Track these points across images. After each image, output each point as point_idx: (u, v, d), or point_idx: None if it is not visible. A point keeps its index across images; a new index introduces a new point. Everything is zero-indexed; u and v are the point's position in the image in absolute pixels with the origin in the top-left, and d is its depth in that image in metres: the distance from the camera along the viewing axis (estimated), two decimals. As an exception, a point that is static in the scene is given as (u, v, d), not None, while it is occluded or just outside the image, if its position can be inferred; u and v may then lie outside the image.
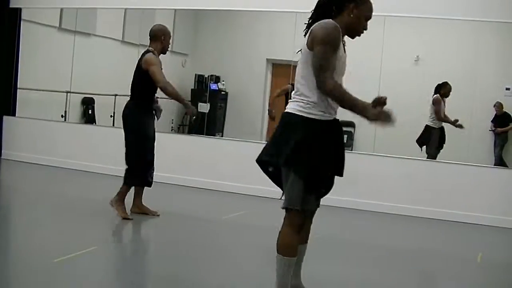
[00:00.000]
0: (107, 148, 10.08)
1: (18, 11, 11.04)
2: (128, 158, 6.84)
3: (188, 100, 7.04)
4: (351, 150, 11.06)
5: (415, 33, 10.71)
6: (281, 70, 12.19)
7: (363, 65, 10.67)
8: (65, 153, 10.48)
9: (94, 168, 9.98)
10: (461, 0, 8.64)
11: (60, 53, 11.60)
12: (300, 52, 4.07)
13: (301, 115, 3.86)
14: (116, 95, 11.94)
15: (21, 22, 11.10)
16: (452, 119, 9.89)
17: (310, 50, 3.90)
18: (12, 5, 10.93)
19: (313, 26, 3.95)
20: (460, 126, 9.82)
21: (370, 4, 4.01)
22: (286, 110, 3.95)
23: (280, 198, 4.01)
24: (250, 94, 12.56)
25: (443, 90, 9.97)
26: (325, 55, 3.84)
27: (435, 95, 9.96)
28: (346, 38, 4.08)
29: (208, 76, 12.61)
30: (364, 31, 4.05)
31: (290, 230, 3.97)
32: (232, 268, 5.33)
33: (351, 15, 3.94)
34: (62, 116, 11.37)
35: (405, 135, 10.29)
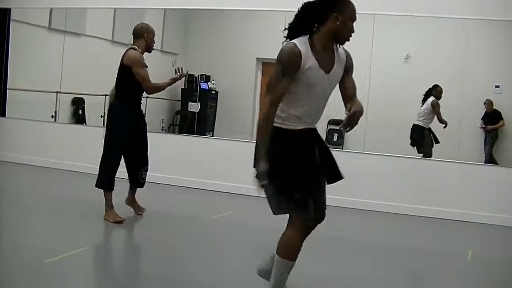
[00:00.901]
0: (97, 148, 10.02)
1: (7, 11, 11.01)
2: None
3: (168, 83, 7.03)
4: (342, 148, 11.09)
5: (404, 31, 10.74)
6: (271, 69, 12.17)
7: (353, 62, 10.71)
8: (55, 154, 10.46)
9: (84, 169, 9.95)
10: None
11: (50, 53, 11.57)
12: None
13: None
14: (106, 95, 11.81)
15: (11, 22, 11.07)
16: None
17: None
18: (1, 5, 10.91)
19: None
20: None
21: (352, 5, 4.01)
22: None
23: None
24: (241, 93, 12.57)
25: (435, 92, 10.04)
26: (272, 80, 3.93)
27: (432, 99, 10.01)
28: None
29: (198, 75, 12.61)
30: (352, 34, 4.02)
31: (292, 233, 4.01)
32: (223, 267, 5.34)
33: (337, 23, 3.92)
34: (52, 116, 11.34)
35: (395, 133, 10.34)
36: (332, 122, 11.60)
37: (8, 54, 11.08)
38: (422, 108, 10.12)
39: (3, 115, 11.13)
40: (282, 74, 3.88)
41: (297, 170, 3.91)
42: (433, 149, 9.92)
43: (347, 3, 3.98)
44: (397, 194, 8.67)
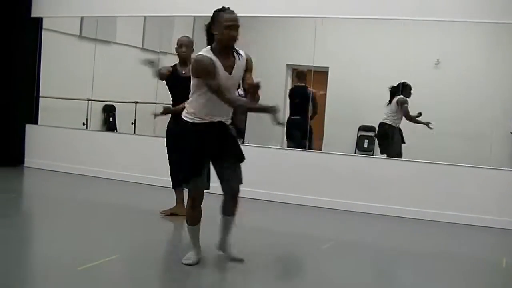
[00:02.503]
0: (128, 155, 10.12)
1: (39, 20, 11.11)
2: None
3: None
4: (372, 155, 11.03)
5: (435, 36, 10.67)
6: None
7: (385, 68, 10.68)
8: (86, 161, 10.53)
9: (116, 176, 10.01)
10: (481, 3, 8.57)
11: (81, 61, 11.66)
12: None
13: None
14: (136, 102, 12.00)
15: (42, 31, 11.17)
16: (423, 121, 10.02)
17: None
18: (34, 14, 11.01)
19: None
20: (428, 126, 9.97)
21: (222, 15, 4.96)
22: None
23: None
24: (271, 99, 12.55)
25: (405, 90, 9.98)
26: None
27: (400, 97, 9.95)
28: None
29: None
30: (235, 36, 5.01)
31: (188, 205, 5.27)
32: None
33: (216, 33, 4.98)
34: (83, 123, 11.42)
35: (425, 138, 10.26)
36: (362, 128, 11.56)
37: (40, 62, 11.18)
38: (389, 107, 10.07)
39: (36, 122, 11.22)
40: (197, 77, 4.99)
41: (184, 155, 5.12)
42: (461, 153, 9.83)
43: (218, 16, 4.97)
44: (426, 200, 8.58)
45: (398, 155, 9.74)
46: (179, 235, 6.95)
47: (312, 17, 9.31)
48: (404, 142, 10.00)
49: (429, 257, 6.51)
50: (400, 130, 10.04)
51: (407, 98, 9.96)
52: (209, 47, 5.01)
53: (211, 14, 5.09)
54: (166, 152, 7.22)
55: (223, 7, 5.05)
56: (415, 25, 9.11)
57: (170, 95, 7.34)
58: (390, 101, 10.10)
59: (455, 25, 9.11)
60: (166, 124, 7.34)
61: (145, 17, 11.58)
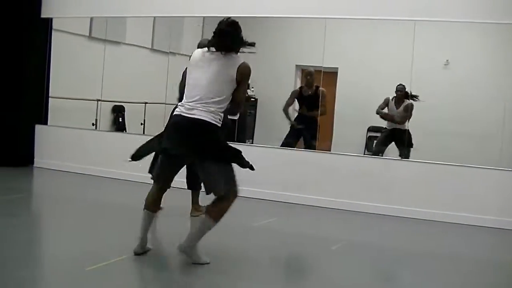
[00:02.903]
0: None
1: (49, 21, 11.14)
2: None
3: None
4: (381, 155, 10.99)
5: (444, 37, 10.65)
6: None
7: (394, 68, 10.66)
8: (96, 161, 10.54)
9: (125, 176, 10.02)
10: (491, 3, 8.55)
11: (91, 61, 11.68)
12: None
13: None
14: (146, 103, 12.02)
15: (52, 32, 11.19)
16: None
17: None
18: (43, 15, 11.03)
19: None
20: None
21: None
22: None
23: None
24: (280, 100, 12.55)
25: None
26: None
27: (411, 102, 10.09)
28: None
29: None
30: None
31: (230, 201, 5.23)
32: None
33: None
34: (93, 124, 11.45)
35: (435, 139, 10.25)
36: (371, 129, 11.55)
37: (50, 63, 11.20)
38: (400, 110, 10.24)
39: (45, 123, 11.24)
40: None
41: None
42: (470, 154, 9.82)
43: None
44: (435, 201, 8.55)
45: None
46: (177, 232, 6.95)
47: (321, 17, 9.30)
48: (411, 146, 9.97)
49: (439, 259, 6.49)
50: (409, 133, 10.03)
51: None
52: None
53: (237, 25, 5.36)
54: None
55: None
56: (424, 25, 9.10)
57: None
58: (399, 105, 10.10)
59: (465, 25, 9.10)
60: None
61: (154, 17, 11.60)
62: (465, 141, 10.33)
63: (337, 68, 11.74)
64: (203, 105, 5.04)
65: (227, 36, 5.21)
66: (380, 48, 11.48)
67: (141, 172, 8.63)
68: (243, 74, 5.21)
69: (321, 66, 10.08)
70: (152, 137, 5.64)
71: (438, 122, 10.49)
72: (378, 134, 11.52)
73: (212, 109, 5.04)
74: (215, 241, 5.65)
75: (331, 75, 11.30)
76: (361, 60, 11.79)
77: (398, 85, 10.22)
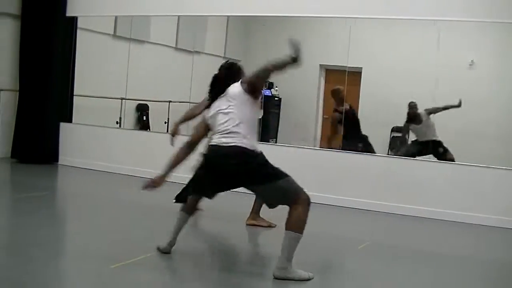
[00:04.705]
0: (161, 154, 10.09)
1: (74, 19, 11.19)
2: None
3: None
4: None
5: (469, 37, 10.59)
6: (334, 76, 12.15)
7: (418, 69, 10.62)
8: (119, 159, 10.59)
9: (148, 174, 9.99)
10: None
11: (115, 60, 11.75)
12: None
13: None
14: (170, 101, 12.07)
15: (77, 30, 11.25)
16: None
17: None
18: (69, 14, 11.09)
19: None
20: None
21: None
22: None
23: None
24: (304, 99, 12.57)
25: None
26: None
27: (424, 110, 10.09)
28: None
29: (263, 82, 12.63)
30: None
31: (305, 209, 5.07)
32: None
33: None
34: (117, 122, 11.50)
35: (460, 140, 10.19)
36: (395, 129, 11.51)
37: (75, 61, 11.25)
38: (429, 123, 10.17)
39: (70, 121, 11.30)
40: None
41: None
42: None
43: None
44: (459, 202, 8.48)
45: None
46: (215, 235, 6.97)
47: (346, 17, 9.27)
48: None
49: (463, 260, 6.46)
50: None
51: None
52: None
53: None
54: None
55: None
56: (449, 26, 9.05)
57: None
58: (420, 121, 10.09)
59: (489, 25, 9.04)
60: None
61: (178, 16, 11.64)
62: (490, 142, 10.26)
63: (361, 68, 11.72)
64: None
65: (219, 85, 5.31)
66: (404, 48, 11.44)
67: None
68: (244, 78, 5.25)
69: (346, 66, 10.05)
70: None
71: (462, 123, 10.43)
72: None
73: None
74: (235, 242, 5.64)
75: (355, 75, 11.28)
76: (386, 60, 11.75)
77: (411, 102, 10.18)
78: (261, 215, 7.10)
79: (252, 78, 5.12)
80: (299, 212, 4.96)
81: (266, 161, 5.10)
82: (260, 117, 11.35)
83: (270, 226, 7.08)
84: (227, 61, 5.57)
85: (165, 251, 5.47)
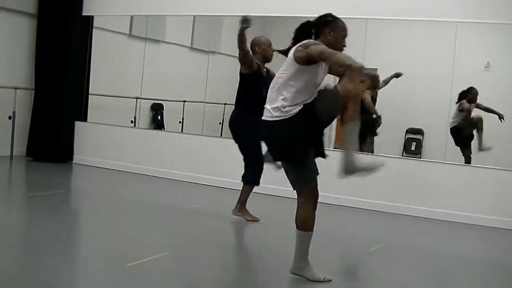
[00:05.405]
0: (176, 154, 10.16)
1: (90, 18, 11.23)
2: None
3: None
4: (420, 158, 10.92)
5: (485, 39, 10.54)
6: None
7: (434, 71, 10.58)
8: (134, 158, 10.61)
9: (163, 174, 10.07)
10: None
11: (130, 59, 11.79)
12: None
13: None
14: (185, 101, 12.08)
15: (93, 30, 11.29)
16: None
17: (298, 62, 4.73)
18: (85, 13, 11.12)
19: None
20: None
21: (343, 23, 5.01)
22: None
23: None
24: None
25: (470, 95, 9.93)
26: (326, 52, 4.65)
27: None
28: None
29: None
30: (344, 47, 4.91)
31: (309, 206, 5.08)
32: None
33: (329, 37, 4.86)
34: (131, 121, 11.54)
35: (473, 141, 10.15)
36: (410, 131, 11.47)
37: (91, 60, 11.29)
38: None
39: (85, 119, 11.33)
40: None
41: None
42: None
43: (338, 22, 4.99)
44: (474, 205, 8.45)
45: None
46: (228, 234, 6.97)
47: (361, 18, 9.24)
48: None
49: (477, 263, 6.43)
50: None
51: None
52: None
53: (323, 17, 5.11)
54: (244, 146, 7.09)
55: (333, 15, 5.07)
56: (465, 27, 9.02)
57: (242, 93, 7.09)
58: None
59: (506, 27, 8.98)
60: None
61: (194, 16, 11.65)
62: (505, 144, 10.19)
63: (376, 69, 11.67)
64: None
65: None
66: (420, 49, 11.39)
67: (179, 170, 8.77)
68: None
69: (361, 67, 10.03)
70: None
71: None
72: (417, 136, 11.45)
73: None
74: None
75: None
76: (400, 62, 11.70)
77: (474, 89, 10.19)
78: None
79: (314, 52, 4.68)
80: (306, 209, 5.05)
81: None
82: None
83: (254, 220, 7.19)
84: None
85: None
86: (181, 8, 10.51)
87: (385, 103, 11.25)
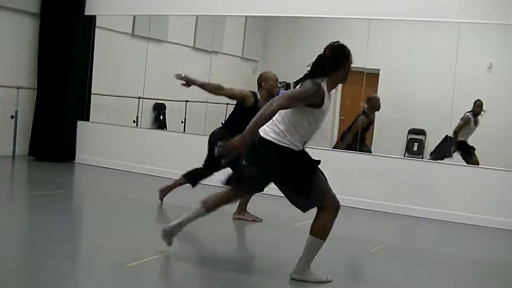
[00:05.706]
0: (178, 154, 10.16)
1: (93, 18, 11.24)
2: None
3: None
4: (422, 158, 10.91)
5: (488, 40, 10.54)
6: (353, 77, 12.05)
7: (437, 72, 10.57)
8: (136, 158, 10.61)
9: (165, 174, 10.06)
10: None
11: (133, 59, 11.78)
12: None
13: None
14: (187, 101, 12.07)
15: (96, 29, 11.30)
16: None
17: None
18: (87, 12, 11.13)
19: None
20: None
21: (349, 50, 5.05)
22: None
23: None
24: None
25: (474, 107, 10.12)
26: (296, 95, 4.81)
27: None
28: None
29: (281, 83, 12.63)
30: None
31: (330, 216, 5.08)
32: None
33: (345, 69, 4.94)
34: (134, 121, 11.53)
35: (479, 143, 10.12)
36: (412, 131, 11.46)
37: (93, 60, 11.29)
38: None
39: (87, 119, 11.34)
40: (303, 99, 4.73)
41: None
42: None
43: (349, 51, 5.01)
44: (476, 205, 8.44)
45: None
46: (228, 234, 6.97)
47: (365, 18, 9.24)
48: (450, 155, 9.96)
49: (481, 264, 6.43)
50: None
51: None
52: (325, 79, 4.85)
53: (340, 49, 5.08)
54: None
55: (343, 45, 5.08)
56: (468, 28, 9.01)
57: (234, 118, 7.26)
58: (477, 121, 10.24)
59: (508, 28, 8.98)
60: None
61: (197, 16, 11.65)
62: (509, 145, 10.18)
63: (379, 69, 11.68)
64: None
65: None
66: (422, 50, 11.39)
67: (181, 170, 8.71)
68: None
69: (364, 68, 10.01)
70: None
71: (480, 126, 10.35)
72: (419, 137, 11.44)
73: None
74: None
75: (373, 76, 11.23)
76: (403, 62, 11.70)
77: (478, 100, 10.16)
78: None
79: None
80: (327, 218, 5.04)
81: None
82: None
83: (255, 220, 7.30)
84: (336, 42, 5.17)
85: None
86: (183, 8, 10.52)
87: (387, 103, 11.26)
